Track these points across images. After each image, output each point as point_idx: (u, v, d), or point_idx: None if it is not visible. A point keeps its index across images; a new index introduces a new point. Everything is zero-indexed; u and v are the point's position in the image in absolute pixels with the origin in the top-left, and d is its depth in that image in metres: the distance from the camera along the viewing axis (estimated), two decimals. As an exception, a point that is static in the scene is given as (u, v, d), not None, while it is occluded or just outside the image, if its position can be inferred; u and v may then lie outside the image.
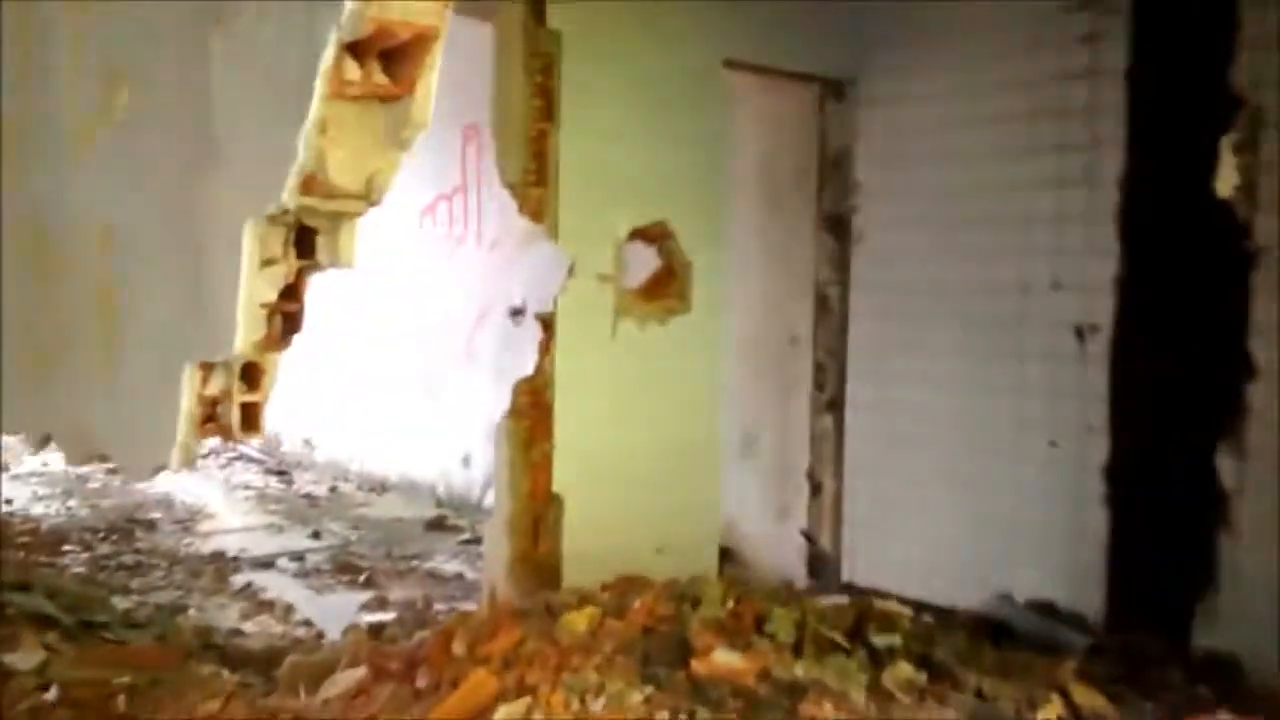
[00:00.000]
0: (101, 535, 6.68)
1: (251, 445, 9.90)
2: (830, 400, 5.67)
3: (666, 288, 4.99)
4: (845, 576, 5.69)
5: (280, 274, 2.03)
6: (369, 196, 2.01)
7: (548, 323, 4.60)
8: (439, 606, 5.44)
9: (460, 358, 7.81)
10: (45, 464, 8.98)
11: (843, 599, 4.93)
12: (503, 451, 4.51)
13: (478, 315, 7.62)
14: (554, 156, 4.54)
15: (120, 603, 5.32)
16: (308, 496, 8.11)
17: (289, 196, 1.85)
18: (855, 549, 5.67)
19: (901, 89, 5.42)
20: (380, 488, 8.39)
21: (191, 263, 2.20)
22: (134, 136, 2.48)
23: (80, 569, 5.94)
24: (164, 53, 2.34)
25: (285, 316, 2.12)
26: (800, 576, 5.79)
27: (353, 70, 1.85)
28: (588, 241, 4.67)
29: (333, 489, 8.37)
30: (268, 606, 5.39)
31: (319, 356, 9.21)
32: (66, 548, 6.34)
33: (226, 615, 5.24)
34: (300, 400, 9.42)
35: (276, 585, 5.78)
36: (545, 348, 4.58)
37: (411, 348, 8.23)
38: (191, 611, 5.24)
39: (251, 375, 2.24)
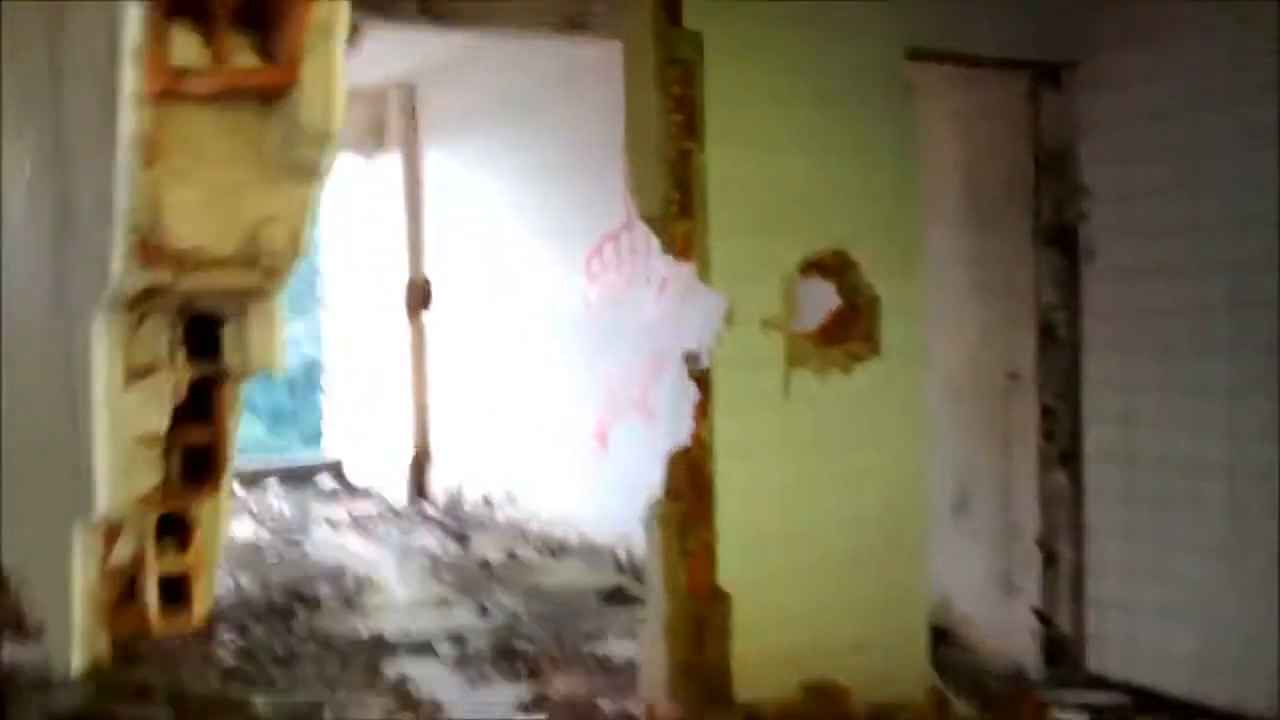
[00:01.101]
0: (260, 616, 6.28)
1: (432, 506, 9.53)
2: (1063, 451, 4.66)
3: (850, 329, 4.15)
4: (1092, 666, 4.66)
5: (163, 389, 1.35)
6: (268, 262, 1.29)
7: (703, 380, 3.83)
8: (603, 703, 4.71)
9: (637, 411, 7.13)
10: (244, 533, 8.86)
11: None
12: (655, 540, 3.76)
13: (652, 364, 6.92)
14: (701, 180, 3.79)
15: (260, 701, 4.85)
16: (482, 564, 7.56)
17: (119, 269, 1.17)
18: (1103, 632, 4.63)
19: (1135, 68, 4.40)
20: (559, 551, 7.78)
21: (61, 379, 1.55)
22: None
23: (230, 659, 5.52)
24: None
25: (193, 451, 1.43)
26: (1034, 664, 4.78)
27: (188, 43, 1.14)
28: (748, 280, 3.90)
29: (511, 554, 7.81)
30: (413, 707, 4.79)
31: (493, 408, 8.77)
32: (223, 633, 5.95)
33: (367, 716, 4.67)
34: (480, 455, 9.00)
35: (429, 677, 5.20)
36: (701, 411, 3.81)
37: (587, 401, 7.61)
38: (328, 717, 4.68)
39: (181, 533, 1.55)
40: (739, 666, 3.74)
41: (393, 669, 5.33)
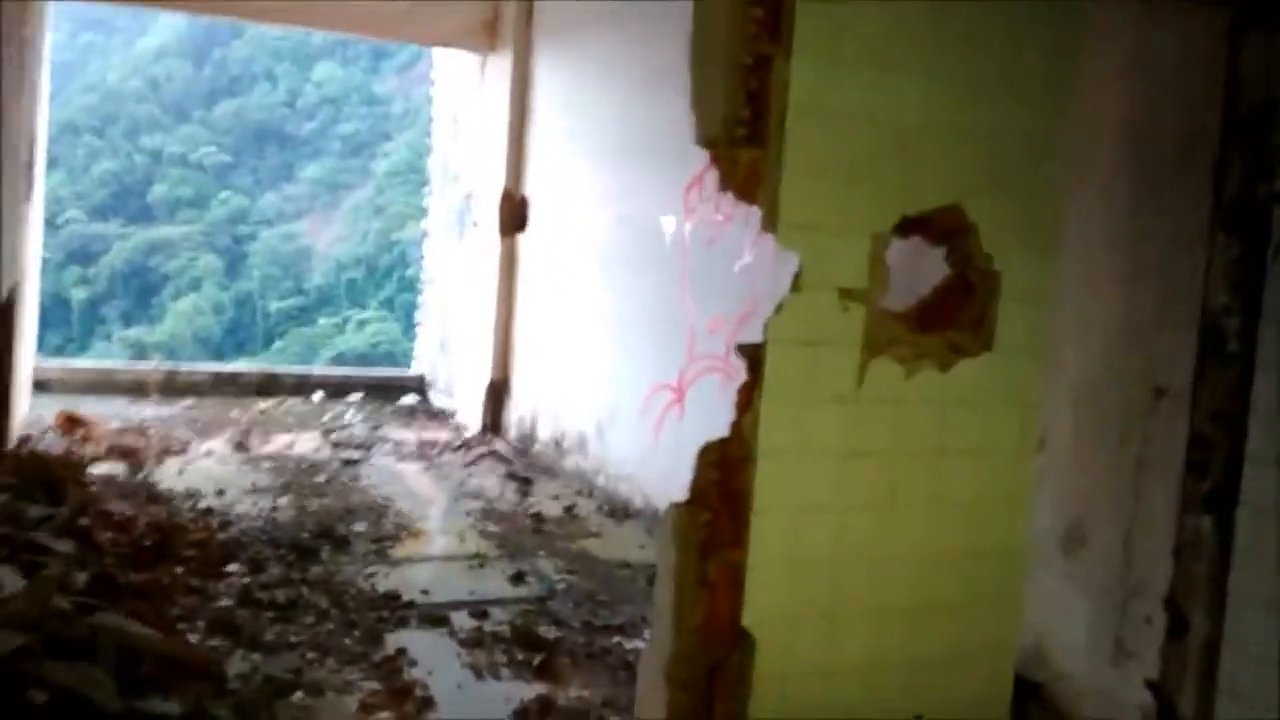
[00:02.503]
0: (280, 553, 5.72)
1: (504, 440, 8.91)
2: (1212, 492, 3.66)
3: (955, 312, 3.23)
4: (1219, 760, 3.70)
5: None
6: None
7: (753, 358, 2.98)
8: (612, 723, 3.99)
9: (720, 367, 6.34)
10: (290, 446, 8.42)
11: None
12: (666, 558, 2.95)
13: (740, 317, 6.09)
14: (779, 98, 2.91)
15: (236, 664, 4.27)
16: (535, 517, 6.89)
17: None
18: (1236, 723, 3.66)
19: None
20: (620, 513, 7.06)
21: None
22: None
23: (227, 601, 4.96)
24: None
25: None
26: (1144, 745, 3.85)
27: None
28: (827, 235, 3.01)
29: (569, 508, 7.12)
30: (399, 698, 4.13)
31: (575, 343, 8.05)
32: (231, 568, 5.41)
33: (341, 708, 4.03)
34: (557, 393, 8.31)
35: (431, 658, 4.55)
36: (746, 398, 2.97)
37: (670, 349, 6.81)
38: (298, 696, 4.06)
39: None
40: (759, 730, 2.93)
41: (395, 640, 4.70)
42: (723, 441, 2.99)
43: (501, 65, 9.30)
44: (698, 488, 2.94)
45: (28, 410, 7.89)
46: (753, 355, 2.99)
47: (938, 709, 3.21)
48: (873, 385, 3.08)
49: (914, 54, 3.05)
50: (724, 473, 2.95)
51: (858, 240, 3.04)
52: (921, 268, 3.18)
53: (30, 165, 7.00)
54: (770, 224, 2.97)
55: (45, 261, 9.05)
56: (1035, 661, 3.93)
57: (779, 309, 2.98)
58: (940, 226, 3.16)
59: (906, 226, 3.11)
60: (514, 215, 9.10)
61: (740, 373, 3.05)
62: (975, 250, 3.22)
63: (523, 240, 9.11)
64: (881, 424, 3.09)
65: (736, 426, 2.98)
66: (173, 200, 41.82)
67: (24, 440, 7.29)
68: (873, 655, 3.10)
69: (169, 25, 43.84)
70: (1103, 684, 3.90)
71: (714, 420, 3.36)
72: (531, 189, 9.03)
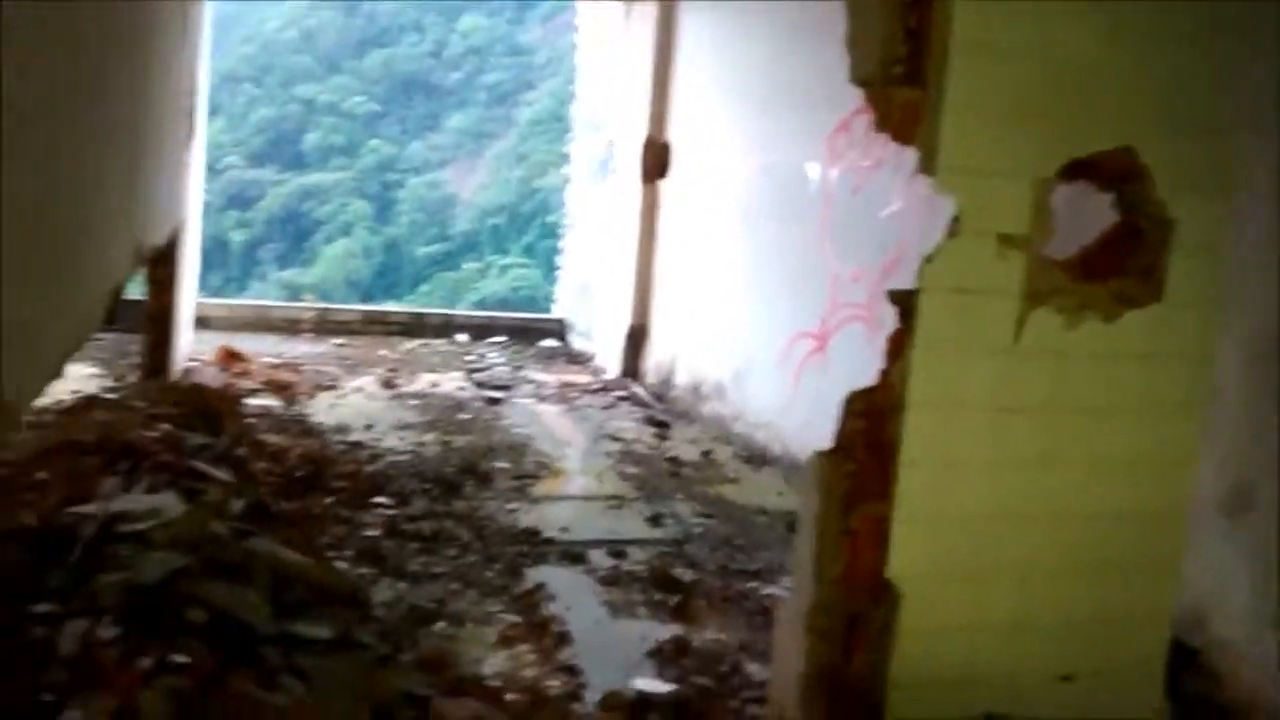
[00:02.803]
0: (426, 487, 5.87)
1: (642, 385, 8.93)
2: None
3: (1124, 261, 3.06)
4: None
5: None
6: None
7: (905, 306, 2.89)
8: (751, 670, 3.97)
9: (863, 316, 6.22)
10: (435, 384, 8.61)
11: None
12: (809, 506, 2.90)
13: (886, 265, 5.95)
14: (941, 35, 2.78)
15: (382, 592, 4.41)
16: (673, 461, 6.90)
17: None
18: None
19: None
20: (758, 460, 7.02)
21: None
22: None
23: (374, 531, 5.12)
24: None
25: None
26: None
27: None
28: (988, 178, 2.88)
29: (706, 453, 7.11)
30: (537, 631, 4.21)
31: (716, 288, 8.00)
32: (377, 500, 5.57)
33: (482, 638, 4.13)
34: (696, 338, 8.29)
35: (570, 594, 4.61)
36: (896, 347, 2.88)
37: (812, 296, 6.71)
38: (440, 625, 4.17)
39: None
40: (899, 685, 2.86)
41: (535, 575, 4.78)
42: (870, 390, 2.91)
43: (645, 12, 9.22)
44: (842, 436, 2.87)
45: (190, 345, 8.25)
46: (904, 303, 2.89)
47: (1088, 672, 3.10)
48: (1032, 336, 2.95)
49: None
50: (870, 422, 2.87)
51: (1019, 184, 2.90)
52: (1087, 213, 3.02)
53: (191, 113, 7.24)
54: (928, 167, 2.86)
55: (206, 205, 9.39)
56: (1193, 627, 3.76)
57: (933, 256, 2.87)
58: (1109, 170, 2.99)
59: (1073, 170, 2.96)
60: (656, 162, 9.05)
61: (886, 321, 2.97)
62: (1147, 195, 3.04)
63: (664, 187, 9.06)
64: (1040, 377, 2.97)
65: (885, 375, 2.89)
66: (325, 148, 43.04)
67: (186, 372, 7.63)
68: (1021, 614, 3.00)
69: (321, -24, 44.88)
70: (1264, 652, 3.71)
71: (856, 369, 3.27)
72: (674, 136, 8.96)
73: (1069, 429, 3.01)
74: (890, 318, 2.97)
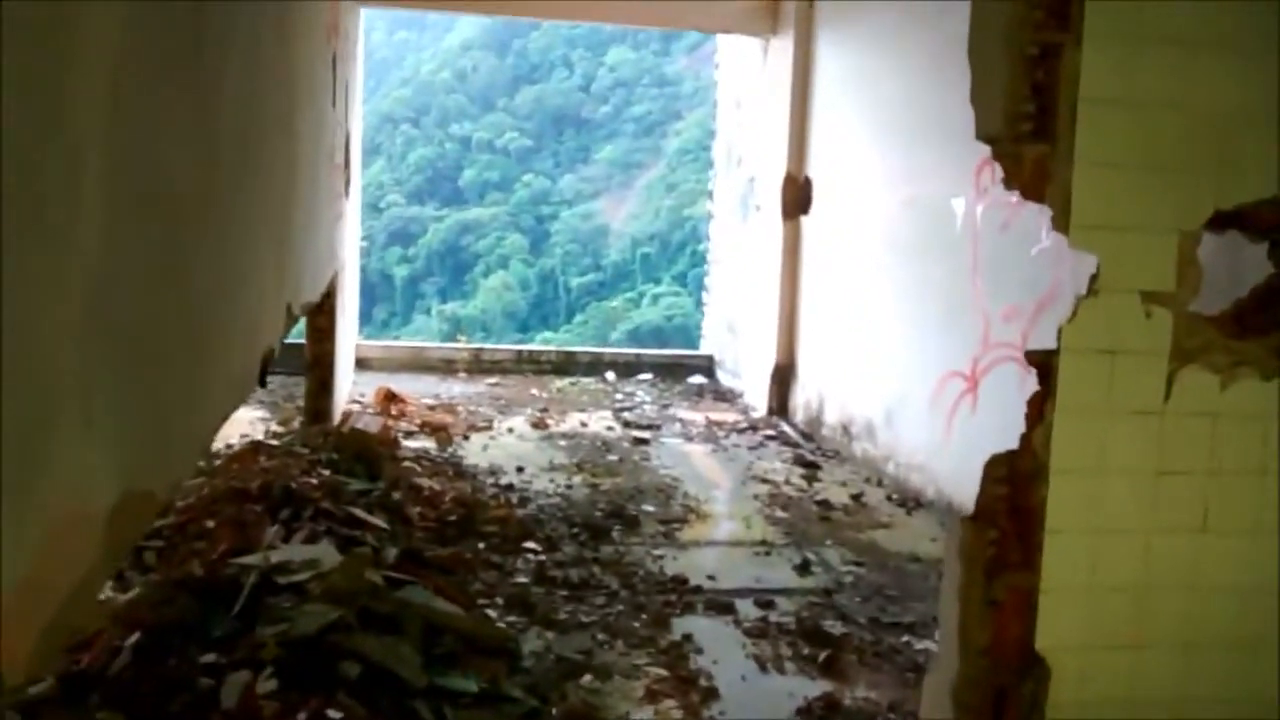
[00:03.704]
0: (574, 531, 5.96)
1: (791, 423, 8.87)
2: None
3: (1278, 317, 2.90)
4: None
5: None
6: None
7: (1045, 367, 2.81)
8: (902, 728, 3.89)
9: (1015, 356, 6.04)
10: (584, 424, 8.74)
11: None
12: (952, 576, 2.83)
13: (1037, 304, 5.77)
14: (1069, 90, 2.70)
15: (530, 642, 4.49)
16: (823, 504, 6.82)
17: None
18: None
19: None
20: (912, 504, 6.87)
21: None
22: None
23: (523, 578, 5.22)
24: None
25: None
26: None
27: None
28: (1127, 233, 2.78)
29: (857, 496, 7.01)
30: (684, 686, 4.21)
31: (863, 326, 7.90)
32: (527, 545, 5.68)
33: (628, 692, 4.15)
34: (845, 376, 8.19)
35: (717, 646, 4.60)
36: (1037, 409, 2.80)
37: (963, 334, 6.56)
38: (587, 678, 4.21)
39: None
40: (1051, 762, 2.77)
41: (681, 625, 4.79)
42: (1011, 455, 2.83)
43: (784, 47, 9.21)
44: (984, 503, 2.80)
45: (350, 387, 8.59)
46: (1043, 364, 2.81)
47: (1261, 748, 2.93)
48: (1182, 397, 2.82)
49: (1224, 31, 2.76)
50: (1013, 489, 2.79)
51: (1162, 238, 2.79)
52: (1237, 268, 2.88)
53: (346, 165, 7.57)
54: (1061, 224, 2.77)
55: (370, 243, 9.80)
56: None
57: (1073, 315, 2.79)
58: (1262, 220, 2.85)
59: (1221, 221, 2.83)
60: (797, 198, 9.01)
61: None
62: (1307, 245, 2.88)
63: (806, 223, 9.01)
64: (1193, 439, 2.84)
65: (1026, 440, 2.81)
66: (481, 183, 44.33)
67: (346, 415, 7.95)
68: (1181, 689, 2.86)
69: (474, 20, 46.33)
70: None
71: (1009, 411, 3.19)
72: (814, 171, 8.90)
73: (1226, 493, 2.87)
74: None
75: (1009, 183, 2.83)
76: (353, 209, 8.32)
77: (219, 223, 2.93)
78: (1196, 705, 2.88)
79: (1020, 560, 2.76)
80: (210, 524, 4.96)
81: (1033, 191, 2.80)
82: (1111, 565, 2.81)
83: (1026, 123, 2.75)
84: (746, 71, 10.27)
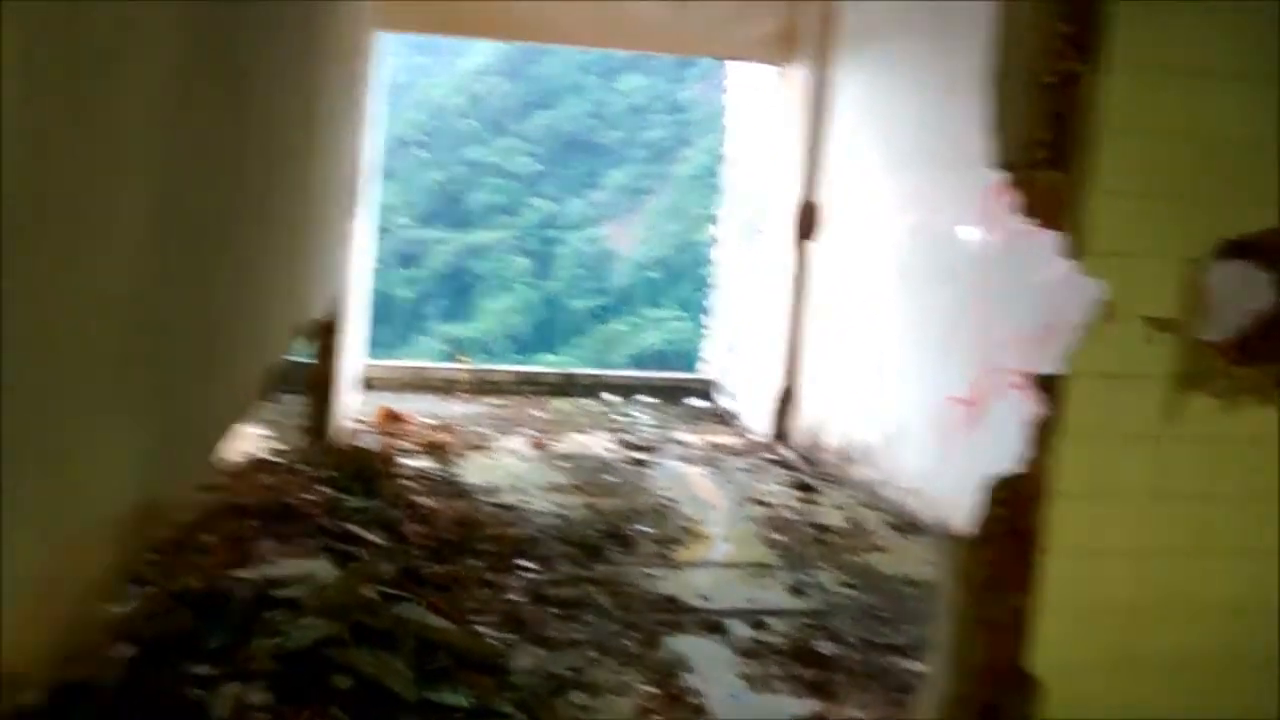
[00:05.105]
0: (569, 550, 5.94)
1: (790, 448, 8.85)
2: None
3: (1282, 341, 2.90)
4: None
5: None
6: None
7: (1050, 391, 2.80)
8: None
9: (1019, 384, 6.04)
10: (583, 445, 8.72)
11: None
12: (945, 594, 2.82)
13: (1041, 331, 5.77)
14: (1088, 119, 2.72)
15: (521, 658, 4.46)
16: (819, 527, 6.80)
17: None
18: None
19: None
20: (909, 528, 6.84)
21: None
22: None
23: (517, 596, 5.20)
24: None
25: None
26: None
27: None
28: (1134, 260, 2.79)
29: (854, 520, 6.98)
30: (674, 703, 4.19)
31: (865, 350, 7.89)
32: (522, 563, 5.66)
33: (618, 709, 4.13)
34: (845, 400, 8.18)
35: (708, 665, 4.58)
36: (1042, 433, 2.79)
37: (964, 361, 6.54)
38: (577, 695, 4.19)
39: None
40: (1041, 786, 2.75)
41: (673, 644, 4.77)
42: (1013, 477, 2.82)
43: (796, 74, 9.25)
44: (982, 523, 2.79)
45: (353, 406, 8.58)
46: (1048, 388, 2.81)
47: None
48: (1186, 423, 2.82)
49: (1239, 61, 2.77)
50: (1012, 509, 2.79)
51: (1169, 266, 2.80)
52: (1243, 295, 2.88)
53: (353, 187, 7.59)
54: (1073, 251, 2.78)
55: (379, 265, 9.80)
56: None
57: (1079, 341, 2.78)
58: (1269, 249, 2.85)
59: (1228, 250, 2.83)
60: (805, 222, 9.03)
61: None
62: (1311, 272, 2.88)
63: (813, 248, 9.02)
64: (1193, 464, 2.83)
65: (1029, 463, 2.80)
66: (489, 207, 44.44)
67: (348, 433, 7.94)
68: (1173, 710, 2.84)
69: (488, 46, 46.57)
70: None
71: (1007, 440, 3.18)
72: (824, 197, 8.93)
73: (1223, 517, 2.86)
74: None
75: (1022, 210, 2.83)
76: (363, 229, 8.34)
77: (240, 240, 2.94)
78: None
79: (1016, 580, 2.74)
80: (208, 538, 4.95)
81: (1046, 219, 2.81)
82: (1107, 587, 2.80)
83: (1042, 150, 2.76)
84: (756, 96, 10.31)
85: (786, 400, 9.16)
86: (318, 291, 5.95)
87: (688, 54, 14.05)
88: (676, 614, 5.16)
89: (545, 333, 40.26)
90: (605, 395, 10.90)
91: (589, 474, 7.80)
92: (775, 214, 9.44)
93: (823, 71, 8.96)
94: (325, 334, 7.44)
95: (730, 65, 11.14)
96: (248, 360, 3.39)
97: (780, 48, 9.43)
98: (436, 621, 4.29)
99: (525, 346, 38.00)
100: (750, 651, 4.78)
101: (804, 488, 7.74)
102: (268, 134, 3.32)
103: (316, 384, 7.52)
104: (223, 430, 3.14)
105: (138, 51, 1.76)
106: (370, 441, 7.84)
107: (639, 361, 29.95)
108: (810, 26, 9.06)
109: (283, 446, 7.59)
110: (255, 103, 2.95)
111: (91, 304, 1.66)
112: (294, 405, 8.30)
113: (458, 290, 42.04)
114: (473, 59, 49.03)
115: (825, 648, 4.83)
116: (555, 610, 5.07)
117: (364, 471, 6.49)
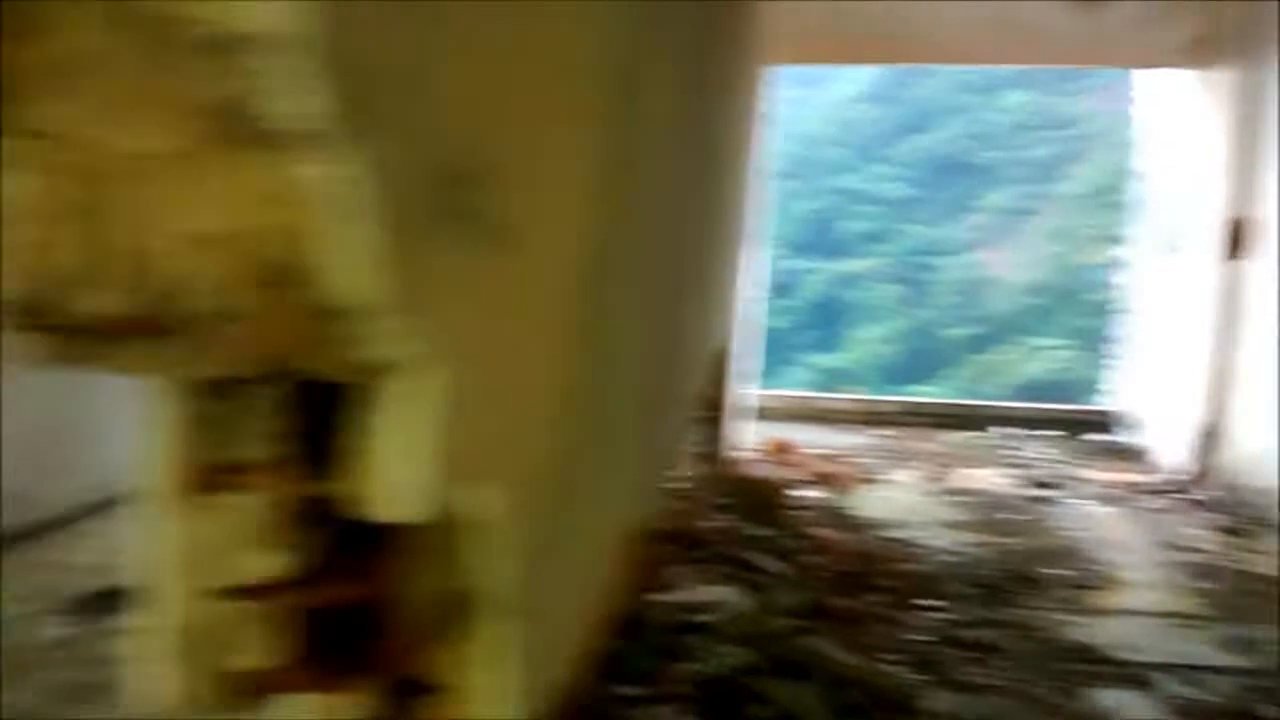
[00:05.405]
0: (972, 591, 5.74)
1: (1216, 489, 8.09)
2: None
3: None
4: None
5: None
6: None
7: None
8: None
9: None
10: (976, 480, 8.44)
11: None
12: None
13: None
14: None
15: (933, 700, 4.36)
16: (1254, 577, 6.16)
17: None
18: None
19: None
20: (1360, 582, 6.05)
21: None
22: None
23: (922, 635, 5.08)
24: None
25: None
26: None
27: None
28: None
29: (1294, 571, 6.27)
30: (1099, 762, 3.93)
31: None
32: (923, 601, 5.53)
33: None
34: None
35: (1134, 722, 4.26)
36: None
37: None
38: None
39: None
40: None
41: (1094, 698, 4.47)
42: None
43: (1220, 80, 8.49)
44: None
45: (745, 435, 8.77)
46: None
47: None
48: None
49: None
50: None
51: None
52: None
53: (743, 215, 7.78)
54: None
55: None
56: None
57: None
58: None
59: None
60: (1236, 239, 8.24)
61: None
62: None
63: (1246, 267, 8.21)
64: None
65: None
66: (860, 235, 44.23)
67: (740, 463, 8.12)
68: None
69: (861, 73, 46.51)
70: None
71: None
72: (1259, 210, 8.11)
73: None
74: None
75: None
76: (756, 264, 8.54)
77: (679, 270, 3.10)
78: None
79: None
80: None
81: None
82: None
83: None
84: (1172, 106, 9.57)
85: (1210, 435, 8.38)
86: (718, 320, 6.16)
87: (1094, 65, 13.19)
88: (1095, 664, 4.84)
89: (917, 362, 39.37)
90: (997, 428, 10.48)
91: (984, 510, 7.52)
92: (1197, 231, 8.70)
93: (1253, 75, 8.17)
94: (718, 363, 7.66)
95: (1138, 74, 10.42)
96: (685, 390, 3.55)
97: (1202, 52, 8.69)
98: (846, 656, 4.27)
99: (895, 376, 37.34)
100: (1184, 710, 4.39)
101: (1233, 532, 7.05)
102: (699, 161, 3.47)
103: (708, 412, 7.76)
104: (674, 458, 3.30)
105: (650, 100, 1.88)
106: (761, 470, 7.98)
107: (1022, 392, 28.60)
108: (1235, 27, 8.30)
109: (676, 474, 7.89)
110: (695, 136, 3.10)
111: (634, 351, 1.81)
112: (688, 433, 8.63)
113: (827, 319, 42.05)
114: (844, 87, 49.07)
115: (1270, 712, 4.35)
116: (962, 653, 4.91)
117: (759, 501, 6.61)
